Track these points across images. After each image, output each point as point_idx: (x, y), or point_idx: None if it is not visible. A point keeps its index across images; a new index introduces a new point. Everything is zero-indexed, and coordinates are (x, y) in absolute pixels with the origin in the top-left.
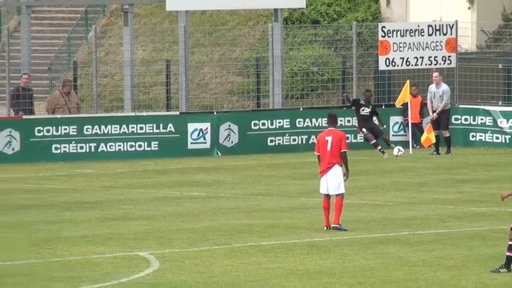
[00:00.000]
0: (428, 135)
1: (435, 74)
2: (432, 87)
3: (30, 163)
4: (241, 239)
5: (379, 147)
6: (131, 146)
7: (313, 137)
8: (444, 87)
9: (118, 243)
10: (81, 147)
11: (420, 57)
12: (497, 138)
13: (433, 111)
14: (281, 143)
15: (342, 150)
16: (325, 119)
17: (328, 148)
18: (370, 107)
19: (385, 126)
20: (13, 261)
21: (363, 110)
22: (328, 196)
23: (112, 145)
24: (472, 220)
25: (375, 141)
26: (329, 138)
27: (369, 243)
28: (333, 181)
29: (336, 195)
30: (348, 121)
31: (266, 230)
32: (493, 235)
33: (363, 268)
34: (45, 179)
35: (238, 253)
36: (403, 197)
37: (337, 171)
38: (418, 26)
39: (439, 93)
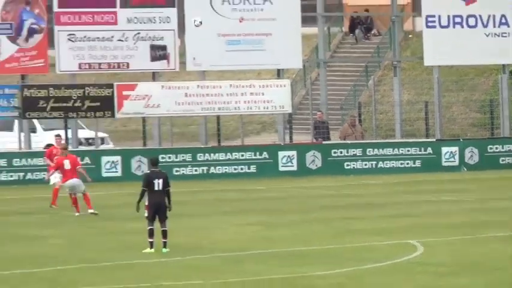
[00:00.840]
0: None
1: None
2: None
3: (330, 176)
4: (481, 231)
5: None
6: (401, 164)
7: None
8: None
9: (393, 234)
10: (365, 164)
11: None
12: None
13: None
14: (510, 162)
15: None
16: None
17: None
18: None
19: None
20: (320, 246)
21: None
22: None
23: (387, 163)
24: None
25: None
26: None
27: None
28: None
29: None
30: None
31: (501, 224)
32: None
33: None
34: (341, 188)
35: (479, 241)
36: None
37: None
38: None
39: None
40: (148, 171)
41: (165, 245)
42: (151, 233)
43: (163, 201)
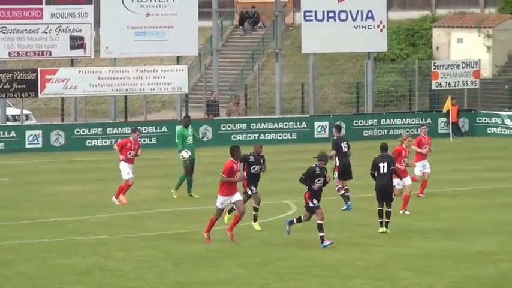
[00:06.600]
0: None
1: None
2: None
3: (218, 146)
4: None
5: None
6: (279, 136)
7: (391, 131)
8: None
9: (273, 195)
10: (249, 137)
11: (457, 82)
12: (504, 131)
13: None
14: (372, 134)
15: None
16: (399, 119)
17: None
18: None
19: None
20: (204, 206)
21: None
22: None
23: (268, 135)
24: None
25: None
26: None
27: None
28: None
29: None
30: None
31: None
32: None
33: None
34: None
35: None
36: None
37: None
38: (456, 62)
39: None
40: (377, 156)
41: (387, 225)
42: (380, 214)
43: (390, 184)
